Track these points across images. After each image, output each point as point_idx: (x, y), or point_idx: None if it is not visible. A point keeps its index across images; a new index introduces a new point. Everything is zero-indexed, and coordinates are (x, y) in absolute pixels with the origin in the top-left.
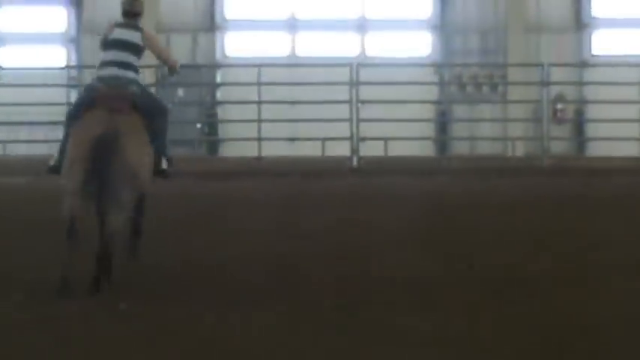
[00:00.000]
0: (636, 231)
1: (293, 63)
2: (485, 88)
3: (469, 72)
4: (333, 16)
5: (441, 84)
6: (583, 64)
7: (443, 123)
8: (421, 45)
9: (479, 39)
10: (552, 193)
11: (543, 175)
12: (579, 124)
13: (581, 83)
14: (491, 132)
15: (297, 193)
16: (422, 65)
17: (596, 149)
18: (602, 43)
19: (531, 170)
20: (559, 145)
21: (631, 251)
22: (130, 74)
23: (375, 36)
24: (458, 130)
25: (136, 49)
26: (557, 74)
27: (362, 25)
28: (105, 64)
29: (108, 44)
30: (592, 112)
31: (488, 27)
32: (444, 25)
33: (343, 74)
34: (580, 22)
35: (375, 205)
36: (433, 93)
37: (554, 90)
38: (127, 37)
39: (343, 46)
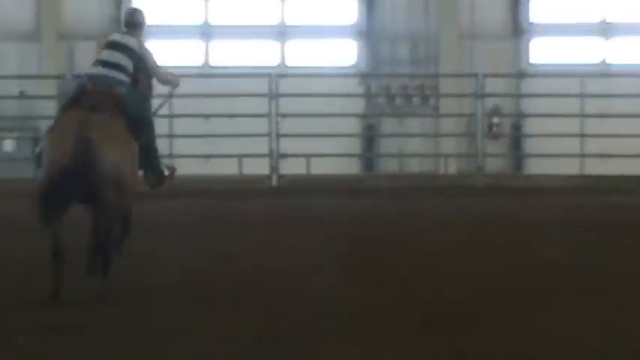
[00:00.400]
0: (576, 254)
1: (207, 73)
2: (415, 101)
3: (398, 83)
4: (250, 22)
5: (368, 96)
6: (520, 75)
7: (370, 138)
8: (346, 53)
9: (408, 47)
10: (487, 215)
11: (478, 195)
12: (516, 139)
13: (518, 95)
14: (421, 148)
15: (211, 215)
16: (347, 75)
17: (535, 167)
18: (541, 52)
19: (465, 189)
20: (495, 162)
21: (570, 276)
22: (121, 76)
23: (296, 44)
24: (386, 145)
25: (131, 53)
26: (492, 85)
27: (282, 33)
28: (97, 62)
29: (104, 46)
30: (530, 126)
31: (419, 34)
32: (370, 32)
33: (261, 85)
34: (517, 29)
35: (296, 228)
36: (359, 106)
37: (490, 102)
38: (124, 40)
39: (261, 55)
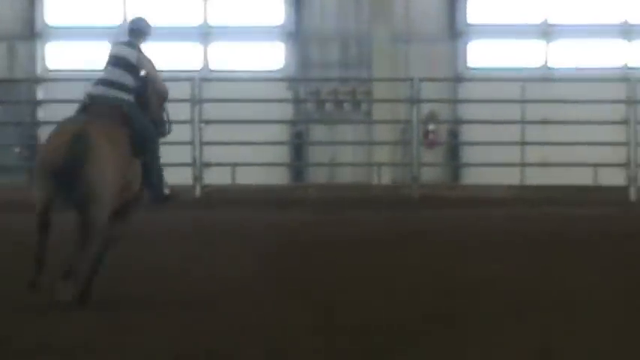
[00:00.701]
0: (512, 271)
1: None
2: (346, 106)
3: (328, 87)
4: (172, 23)
5: (296, 101)
6: (458, 79)
7: (298, 146)
8: (273, 56)
9: (339, 49)
10: (423, 228)
11: (413, 207)
12: (453, 147)
13: (455, 100)
14: (353, 157)
15: (131, 228)
16: (274, 80)
17: (473, 177)
18: (480, 55)
19: (399, 201)
20: (431, 171)
21: (505, 294)
22: (122, 95)
23: (220, 46)
24: (315, 154)
25: (130, 68)
26: (428, 90)
27: (205, 34)
28: (98, 81)
29: (107, 61)
30: (468, 133)
31: (350, 35)
32: (298, 34)
33: (184, 90)
34: (454, 31)
35: (220, 242)
36: (287, 112)
37: (425, 108)
38: (122, 53)
39: (183, 57)
